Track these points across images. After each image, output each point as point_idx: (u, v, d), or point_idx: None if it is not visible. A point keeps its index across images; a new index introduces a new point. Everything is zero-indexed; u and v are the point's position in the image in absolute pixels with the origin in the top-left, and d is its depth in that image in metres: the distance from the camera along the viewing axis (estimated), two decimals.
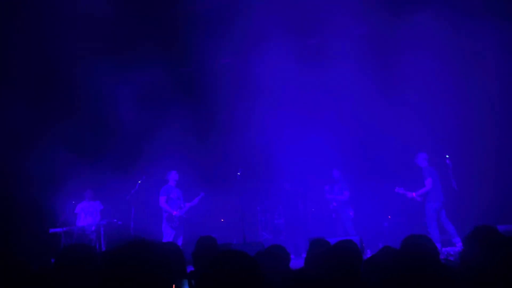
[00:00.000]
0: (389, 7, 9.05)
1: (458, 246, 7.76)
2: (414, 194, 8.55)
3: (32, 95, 9.29)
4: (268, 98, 10.01)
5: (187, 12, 9.11)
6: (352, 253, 2.90)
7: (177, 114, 9.89)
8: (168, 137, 9.90)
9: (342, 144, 9.97)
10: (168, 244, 3.37)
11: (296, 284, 1.98)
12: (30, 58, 8.98)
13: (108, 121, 10.41)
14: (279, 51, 9.49)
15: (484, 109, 9.09)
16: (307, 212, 10.71)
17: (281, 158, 10.26)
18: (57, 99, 10.04)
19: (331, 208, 9.83)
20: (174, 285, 2.64)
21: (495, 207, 8.62)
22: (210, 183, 9.75)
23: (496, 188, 8.88)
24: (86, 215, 9.33)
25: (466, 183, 8.47)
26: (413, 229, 8.22)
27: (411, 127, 9.40)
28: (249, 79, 9.89)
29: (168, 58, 10.26)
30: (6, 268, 2.71)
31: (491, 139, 9.00)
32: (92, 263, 2.50)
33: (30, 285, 2.76)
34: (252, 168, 10.28)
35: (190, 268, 3.91)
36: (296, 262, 6.74)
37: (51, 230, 8.96)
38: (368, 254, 7.72)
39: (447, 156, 8.11)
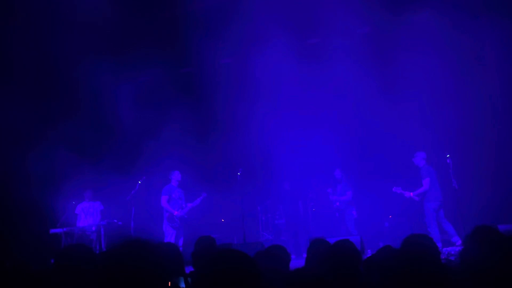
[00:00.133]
0: (390, 6, 9.03)
1: (458, 245, 7.75)
2: (411, 193, 8.53)
3: (33, 95, 9.30)
4: (269, 98, 10.01)
5: (187, 12, 9.11)
6: (350, 253, 2.90)
7: (177, 114, 9.89)
8: (168, 137, 9.91)
9: (343, 144, 9.96)
10: (166, 244, 3.36)
11: (295, 284, 1.97)
12: (30, 58, 8.98)
13: (108, 121, 10.42)
14: (279, 51, 9.49)
15: (484, 108, 9.07)
16: (308, 212, 10.71)
17: (281, 158, 10.25)
18: (58, 99, 10.04)
19: (334, 208, 9.82)
20: (170, 283, 2.63)
21: (496, 206, 8.61)
22: (210, 183, 9.75)
23: (497, 187, 8.86)
24: (87, 216, 9.32)
25: (467, 182, 8.45)
26: (414, 229, 8.23)
27: (412, 126, 9.39)
28: (250, 79, 9.89)
29: (168, 58, 10.27)
30: (6, 269, 2.71)
31: (492, 138, 8.98)
32: (91, 264, 2.50)
33: (29, 285, 2.76)
34: (253, 168, 10.28)
35: (190, 269, 3.90)
36: (297, 262, 6.74)
37: (52, 231, 8.96)
38: (368, 253, 7.71)
39: (447, 155, 8.09)
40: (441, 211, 8.38)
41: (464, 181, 8.28)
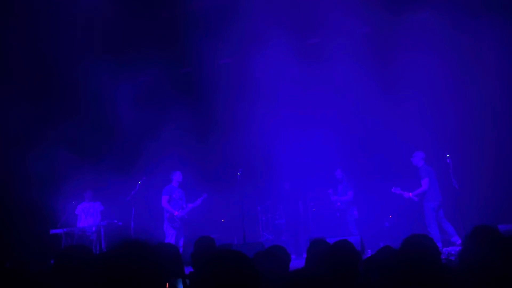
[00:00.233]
0: (390, 6, 9.03)
1: (458, 244, 7.74)
2: (411, 194, 8.52)
3: (33, 95, 9.30)
4: (269, 98, 10.01)
5: (186, 12, 9.11)
6: (349, 253, 2.89)
7: (177, 114, 9.89)
8: (168, 138, 9.90)
9: (343, 144, 9.95)
10: (165, 244, 3.36)
11: (294, 284, 1.97)
12: (30, 58, 8.99)
13: (108, 122, 10.42)
14: (279, 51, 9.49)
15: (484, 107, 9.07)
16: (308, 212, 10.70)
17: (281, 158, 10.25)
18: (58, 99, 10.05)
19: (335, 208, 9.81)
20: (168, 284, 2.63)
21: (496, 206, 8.60)
22: (210, 183, 9.74)
23: (497, 187, 8.85)
24: (87, 216, 9.32)
25: (467, 182, 8.45)
26: (414, 229, 8.22)
27: (412, 126, 9.38)
28: (249, 79, 9.89)
29: (168, 58, 10.27)
30: (6, 269, 2.70)
31: (492, 138, 8.97)
32: (90, 264, 2.49)
33: (29, 286, 2.75)
34: (253, 168, 10.28)
35: (190, 269, 3.90)
36: (297, 262, 6.73)
37: (52, 231, 8.96)
38: (368, 253, 7.70)
39: (447, 155, 8.08)
40: (440, 211, 8.37)
41: (464, 181, 8.28)
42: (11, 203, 9.52)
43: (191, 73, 11.18)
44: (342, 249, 2.91)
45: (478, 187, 8.62)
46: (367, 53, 9.29)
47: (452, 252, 6.64)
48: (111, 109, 10.19)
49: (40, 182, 9.25)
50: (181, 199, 9.23)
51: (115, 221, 9.03)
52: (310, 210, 10.73)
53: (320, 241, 3.66)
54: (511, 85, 8.93)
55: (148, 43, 9.87)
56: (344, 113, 10.13)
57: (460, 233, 7.97)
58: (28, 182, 9.17)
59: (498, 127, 9.04)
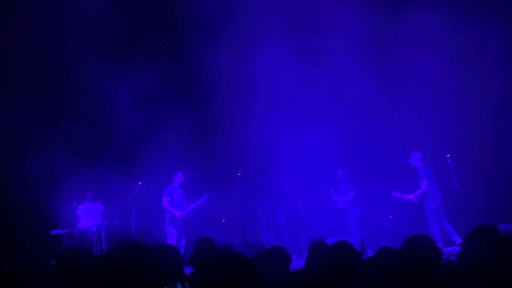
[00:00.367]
0: (389, 5, 9.03)
1: (459, 244, 7.74)
2: (411, 196, 8.51)
3: (32, 96, 9.30)
4: (268, 98, 10.01)
5: (186, 12, 9.10)
6: (348, 254, 2.90)
7: (177, 115, 9.90)
8: (168, 138, 9.91)
9: (343, 143, 9.95)
10: (166, 246, 3.37)
11: (295, 285, 1.98)
12: (29, 59, 8.98)
13: (108, 122, 10.43)
14: (278, 51, 9.49)
15: (485, 107, 9.06)
16: (308, 212, 10.70)
17: (281, 158, 10.25)
18: (58, 100, 10.05)
19: (337, 208, 9.80)
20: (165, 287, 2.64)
21: (497, 206, 8.59)
22: (210, 184, 9.75)
23: (498, 187, 8.85)
24: (87, 217, 9.34)
25: (467, 182, 8.45)
26: (414, 229, 8.22)
27: (412, 125, 9.38)
28: (249, 79, 9.89)
29: (168, 59, 10.28)
30: (7, 270, 2.72)
31: (492, 137, 8.97)
32: (91, 266, 2.50)
33: (30, 287, 2.77)
34: (253, 168, 10.28)
35: (191, 270, 3.91)
36: (298, 263, 6.73)
37: (53, 232, 8.97)
38: (369, 254, 7.71)
39: (448, 155, 8.08)
40: (440, 210, 8.38)
41: (464, 181, 8.27)
42: (11, 204, 9.53)
43: (191, 73, 11.19)
44: (342, 250, 2.91)
45: (478, 187, 8.62)
46: (367, 53, 9.29)
47: (453, 252, 6.65)
48: (111, 109, 10.21)
49: (41, 182, 9.25)
50: (182, 199, 9.25)
51: (116, 221, 9.04)
52: (311, 210, 10.73)
53: (319, 242, 3.67)
54: (511, 85, 8.93)
55: (148, 43, 9.87)
56: (344, 113, 10.14)
57: (460, 233, 7.97)
58: (29, 182, 9.18)
59: (498, 126, 9.04)
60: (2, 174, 9.40)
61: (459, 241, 7.88)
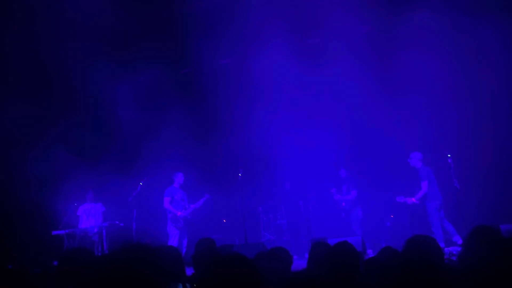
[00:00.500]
0: (389, 5, 9.03)
1: (460, 244, 7.74)
2: (414, 199, 8.49)
3: (33, 96, 9.31)
4: (269, 98, 10.00)
5: (186, 12, 9.11)
6: (349, 254, 2.90)
7: (178, 115, 9.90)
8: (169, 138, 9.92)
9: (343, 143, 9.94)
10: (167, 247, 3.38)
11: (296, 285, 1.98)
12: (30, 59, 8.99)
13: (109, 123, 10.43)
14: (279, 51, 9.49)
15: (485, 106, 9.05)
16: (309, 212, 10.70)
17: (282, 158, 10.25)
18: (59, 100, 10.06)
19: (340, 208, 9.79)
20: None
21: (498, 206, 8.58)
22: (211, 184, 9.76)
23: (499, 186, 8.84)
24: (88, 217, 9.35)
25: (468, 182, 8.44)
26: (415, 228, 8.23)
27: (413, 125, 9.38)
28: (250, 79, 9.89)
29: (168, 59, 10.28)
30: (8, 271, 2.72)
31: (493, 137, 8.97)
32: (92, 267, 2.51)
33: (32, 287, 2.77)
34: (254, 169, 10.28)
35: (192, 270, 3.91)
36: (299, 263, 6.74)
37: (54, 233, 8.97)
38: (370, 254, 7.71)
39: (448, 155, 8.07)
40: (441, 210, 8.37)
41: (465, 181, 8.27)
42: (12, 204, 9.54)
43: (191, 74, 11.19)
44: (343, 250, 2.91)
45: (479, 187, 8.61)
46: (367, 53, 9.29)
47: (454, 252, 6.65)
48: (112, 110, 10.21)
49: (41, 183, 9.26)
50: (183, 200, 9.27)
51: (117, 222, 9.05)
52: (312, 210, 10.73)
53: (321, 242, 3.68)
54: None
55: (148, 43, 9.87)
56: (344, 113, 10.13)
57: (461, 233, 7.96)
58: (29, 183, 9.19)
59: (499, 126, 9.03)
60: (3, 174, 9.41)
61: (460, 241, 7.87)
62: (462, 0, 8.75)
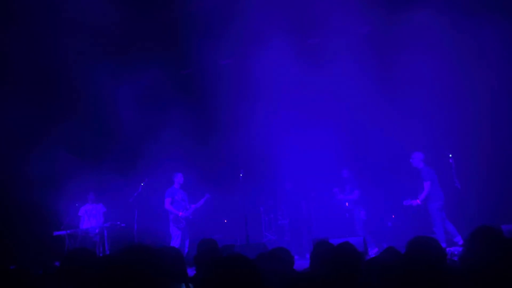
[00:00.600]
0: (390, 5, 9.02)
1: (461, 244, 7.73)
2: (418, 201, 8.46)
3: (34, 97, 9.32)
4: (270, 98, 10.00)
5: (186, 13, 9.11)
6: (351, 255, 2.90)
7: (179, 116, 9.90)
8: (170, 139, 9.92)
9: (344, 144, 9.94)
10: (169, 248, 3.38)
11: (297, 286, 1.98)
12: (31, 59, 9.00)
13: (110, 123, 10.44)
14: (279, 51, 9.49)
15: (486, 106, 9.05)
16: (311, 212, 10.69)
17: (283, 158, 10.24)
18: (60, 101, 10.07)
19: (344, 209, 9.76)
20: None
21: (500, 206, 8.57)
22: (212, 184, 9.76)
23: (500, 186, 8.83)
24: (90, 218, 9.36)
25: (470, 182, 8.43)
26: (416, 228, 8.21)
27: (414, 125, 9.37)
28: (250, 80, 9.89)
29: (169, 60, 10.29)
30: (10, 271, 2.72)
31: (494, 137, 8.96)
32: (94, 268, 2.51)
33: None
34: (255, 169, 10.27)
35: (194, 270, 3.92)
36: (301, 263, 6.73)
37: (55, 233, 8.99)
38: (371, 255, 7.70)
39: (450, 155, 8.06)
40: (443, 211, 8.36)
41: (466, 181, 8.26)
42: (14, 205, 9.55)
43: (191, 74, 11.19)
44: (345, 251, 2.91)
45: (480, 187, 8.60)
46: (368, 53, 9.29)
47: (455, 253, 6.63)
48: (113, 110, 10.21)
49: (43, 184, 9.27)
50: (184, 200, 9.27)
51: (118, 222, 9.06)
52: (313, 210, 10.71)
53: (323, 243, 3.68)
54: None
55: (149, 44, 9.88)
56: (345, 113, 10.12)
57: (462, 233, 7.95)
58: (31, 184, 9.19)
59: (500, 126, 9.02)
60: (4, 175, 9.42)
61: (461, 241, 7.86)
62: (463, 0, 8.74)
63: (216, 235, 9.44)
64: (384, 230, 9.97)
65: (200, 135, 10.52)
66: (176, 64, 10.88)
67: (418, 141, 9.02)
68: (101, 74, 9.41)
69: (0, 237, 9.48)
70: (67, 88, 9.98)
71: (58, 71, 9.44)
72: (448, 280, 2.51)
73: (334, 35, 9.79)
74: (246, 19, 8.91)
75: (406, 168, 8.88)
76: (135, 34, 9.72)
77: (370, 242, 8.95)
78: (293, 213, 10.48)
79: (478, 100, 9.02)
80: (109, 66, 9.35)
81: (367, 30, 9.96)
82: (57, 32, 8.90)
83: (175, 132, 9.90)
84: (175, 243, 8.83)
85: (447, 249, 7.42)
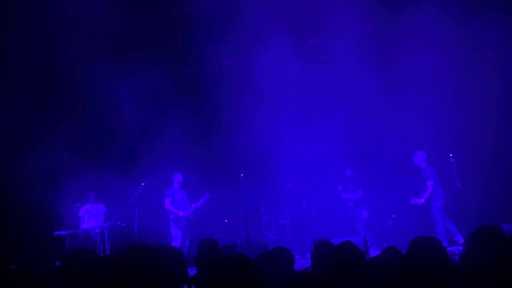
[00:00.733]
0: (391, 4, 9.02)
1: (462, 244, 7.73)
2: (422, 200, 8.45)
3: (35, 97, 9.33)
4: (271, 98, 10.00)
5: (188, 13, 9.11)
6: (352, 254, 2.90)
7: (180, 116, 9.90)
8: (171, 139, 9.92)
9: (345, 143, 9.94)
10: (170, 248, 3.39)
11: (297, 286, 1.98)
12: (32, 60, 9.01)
13: (111, 123, 10.44)
14: (281, 51, 9.48)
15: (487, 106, 9.04)
16: (311, 212, 10.69)
17: (284, 158, 10.24)
18: (61, 101, 10.07)
19: (348, 209, 9.75)
20: None
21: (500, 205, 8.57)
22: (213, 184, 9.76)
23: (501, 186, 8.83)
24: (90, 218, 9.36)
25: (470, 181, 8.43)
26: (417, 228, 8.22)
27: (415, 124, 9.36)
28: (252, 79, 9.89)
29: (170, 60, 10.29)
30: (11, 271, 2.73)
31: (495, 136, 8.95)
32: (96, 268, 2.51)
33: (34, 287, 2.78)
34: (255, 169, 10.26)
35: (194, 270, 3.92)
36: (301, 263, 6.73)
37: (56, 233, 8.99)
38: (371, 254, 7.69)
39: (450, 154, 8.05)
40: (444, 210, 8.36)
41: (467, 180, 8.25)
42: (14, 205, 9.56)
43: (193, 74, 11.20)
44: (345, 251, 2.91)
45: (481, 186, 8.59)
46: (369, 52, 9.28)
47: (456, 252, 6.63)
48: (114, 110, 10.21)
49: (43, 184, 9.28)
50: (184, 199, 9.27)
51: (119, 222, 9.07)
52: (314, 210, 10.71)
53: (323, 242, 3.68)
54: None
55: (151, 44, 9.89)
56: (346, 112, 10.12)
57: (463, 232, 7.95)
58: (32, 183, 9.20)
59: (501, 125, 9.02)
60: (5, 175, 9.42)
61: (462, 240, 7.86)
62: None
63: (216, 235, 9.45)
64: (385, 230, 9.97)
65: (200, 135, 10.52)
66: (177, 64, 10.88)
67: (419, 140, 9.01)
68: (102, 74, 9.42)
69: (1, 236, 9.49)
70: (68, 88, 9.99)
71: (59, 71, 9.44)
72: (449, 279, 2.51)
73: (336, 35, 9.79)
74: (247, 19, 8.91)
75: (408, 167, 8.87)
76: (136, 34, 9.72)
77: (372, 244, 8.94)
78: (294, 213, 10.48)
79: (479, 99, 9.01)
80: (110, 66, 9.35)
81: (368, 29, 9.95)
82: (57, 32, 8.91)
83: (177, 132, 9.91)
84: (175, 243, 8.83)
85: (448, 248, 7.42)
